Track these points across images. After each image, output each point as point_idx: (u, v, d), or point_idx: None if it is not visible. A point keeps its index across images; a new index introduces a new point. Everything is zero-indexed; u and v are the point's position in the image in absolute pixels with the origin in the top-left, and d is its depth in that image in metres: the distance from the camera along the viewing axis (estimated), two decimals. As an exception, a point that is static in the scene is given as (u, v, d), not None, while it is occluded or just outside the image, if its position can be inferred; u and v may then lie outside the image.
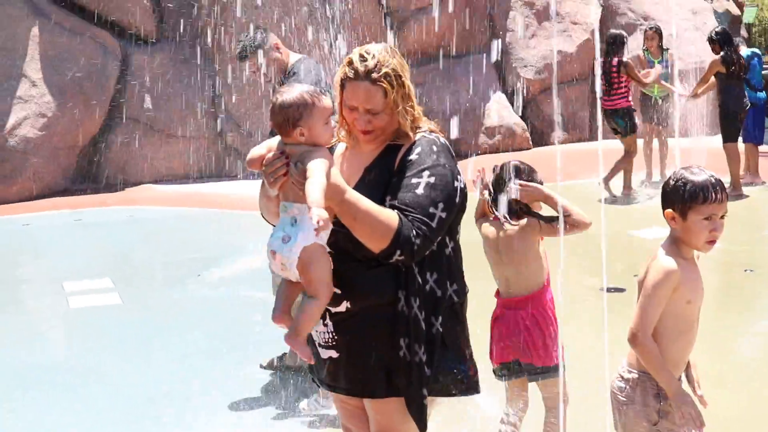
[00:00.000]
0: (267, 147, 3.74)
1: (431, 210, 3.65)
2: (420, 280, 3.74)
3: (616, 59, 13.45)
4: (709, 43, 13.75)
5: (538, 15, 19.67)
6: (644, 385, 3.93)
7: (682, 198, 3.84)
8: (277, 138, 3.75)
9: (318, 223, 3.37)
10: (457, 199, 3.74)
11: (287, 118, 3.65)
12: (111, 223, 13.26)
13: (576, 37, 19.58)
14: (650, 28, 14.90)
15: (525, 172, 4.90)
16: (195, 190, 15.40)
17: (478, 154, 16.67)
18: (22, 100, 16.00)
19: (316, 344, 3.93)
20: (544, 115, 19.24)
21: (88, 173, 16.32)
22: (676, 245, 3.92)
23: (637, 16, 20.00)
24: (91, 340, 8.39)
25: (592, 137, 19.30)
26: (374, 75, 3.70)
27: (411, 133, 3.81)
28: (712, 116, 15.11)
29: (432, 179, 3.68)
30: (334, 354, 3.87)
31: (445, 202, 3.69)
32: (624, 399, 3.98)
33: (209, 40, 17.03)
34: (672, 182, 3.90)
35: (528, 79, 19.14)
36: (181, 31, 17.14)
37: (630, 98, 13.67)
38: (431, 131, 3.85)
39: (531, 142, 18.81)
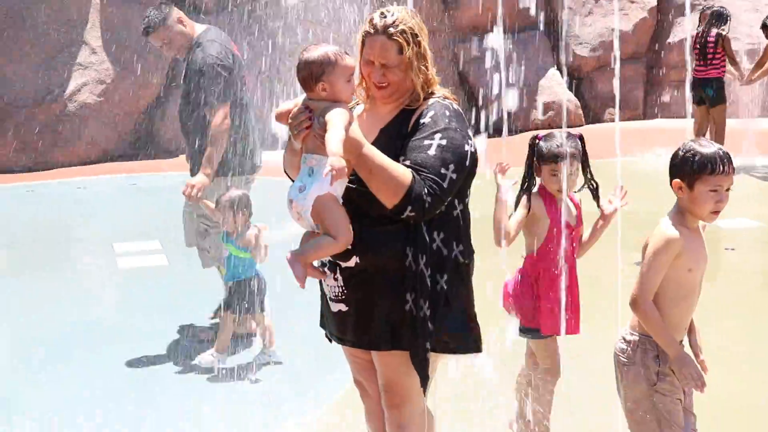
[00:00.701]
0: (294, 103, 3.95)
1: (442, 171, 3.83)
2: (427, 238, 3.91)
3: (715, 32, 13.61)
4: (763, 30, 13.72)
5: (594, -8, 19.63)
6: (644, 347, 4.08)
7: (691, 168, 3.97)
8: (304, 95, 3.94)
9: (332, 170, 3.57)
10: (467, 162, 3.92)
11: (311, 73, 3.87)
12: (164, 188, 13.48)
13: (633, 15, 19.49)
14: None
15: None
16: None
17: (530, 130, 16.74)
18: (81, 66, 16.31)
19: (328, 298, 4.14)
20: (597, 92, 19.22)
21: (144, 139, 16.61)
22: (681, 215, 4.05)
23: (696, -5, 19.88)
24: (137, 299, 8.69)
25: (646, 115, 19.26)
26: (391, 30, 3.91)
27: (422, 94, 3.98)
28: (763, 97, 15.06)
29: (444, 141, 3.86)
30: (343, 307, 4.07)
31: (455, 164, 3.86)
32: (625, 360, 4.14)
33: (263, 9, 17.22)
34: (681, 153, 4.03)
35: (583, 57, 19.12)
36: (238, 1, 17.34)
37: (723, 70, 13.74)
38: (445, 97, 4.03)
39: (584, 119, 18.82)
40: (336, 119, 3.73)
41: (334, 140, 3.66)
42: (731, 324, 7.37)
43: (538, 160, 4.99)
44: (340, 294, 4.05)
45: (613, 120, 18.93)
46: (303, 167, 3.90)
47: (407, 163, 3.85)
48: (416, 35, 3.94)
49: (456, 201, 4.00)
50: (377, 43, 3.94)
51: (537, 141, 5.03)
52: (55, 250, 10.65)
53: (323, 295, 4.19)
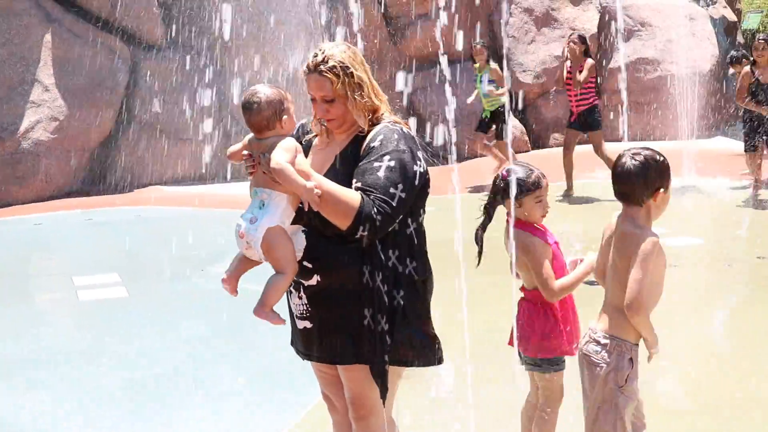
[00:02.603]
0: (243, 142, 4.26)
1: (391, 190, 4.07)
2: (383, 256, 4.17)
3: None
4: (730, 65, 14.50)
5: (536, 21, 20.11)
6: (620, 350, 4.39)
7: (668, 174, 4.40)
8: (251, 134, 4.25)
9: (316, 191, 3.92)
10: (417, 182, 4.16)
11: (275, 111, 4.15)
12: (119, 222, 13.73)
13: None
14: (477, 43, 15.72)
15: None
16: (202, 191, 15.85)
17: (478, 156, 17.10)
18: (35, 104, 16.49)
19: (294, 316, 4.41)
20: (542, 118, 19.67)
21: (98, 175, 16.78)
22: (648, 219, 4.41)
23: (634, 22, 20.41)
24: (99, 329, 8.89)
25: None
26: (321, 67, 4.18)
27: (363, 121, 4.23)
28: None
29: (392, 162, 4.11)
30: (308, 324, 4.33)
31: (404, 183, 4.10)
32: (598, 361, 4.43)
33: (216, 45, 17.50)
34: (656, 163, 4.38)
35: (526, 83, 19.57)
36: (189, 36, 17.62)
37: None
38: (395, 122, 4.28)
39: (530, 145, 19.25)
40: (280, 156, 4.01)
41: (294, 177, 3.96)
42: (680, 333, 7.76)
43: (516, 194, 4.91)
44: (305, 312, 4.32)
45: (558, 145, 19.33)
46: (254, 200, 4.17)
47: (358, 185, 4.09)
48: (347, 67, 4.18)
49: (409, 220, 4.24)
50: (312, 80, 4.22)
51: (505, 179, 4.95)
52: (14, 284, 10.82)
53: (291, 313, 4.45)
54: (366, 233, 4.06)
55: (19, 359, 8.05)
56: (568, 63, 14.56)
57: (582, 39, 14.69)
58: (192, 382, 7.20)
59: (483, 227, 5.00)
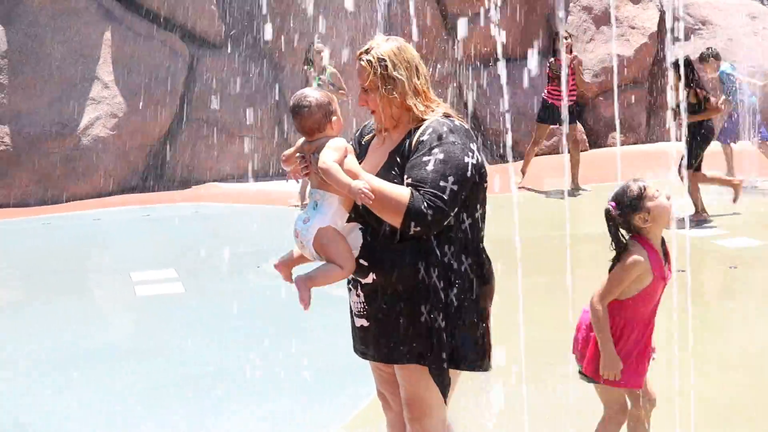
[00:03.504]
0: (296, 146, 4.31)
1: (442, 183, 4.02)
2: (438, 252, 4.12)
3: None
4: (700, 61, 14.46)
5: (596, 19, 19.95)
6: None
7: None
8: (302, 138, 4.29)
9: (364, 193, 3.93)
10: (468, 173, 4.09)
11: (326, 113, 4.20)
12: (177, 218, 13.80)
13: (633, 40, 19.83)
14: (315, 45, 14.57)
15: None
16: (258, 188, 15.91)
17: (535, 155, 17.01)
18: (94, 101, 16.66)
19: (353, 314, 4.40)
20: (601, 117, 19.51)
21: (156, 171, 16.92)
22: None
23: (695, 20, 20.19)
24: (155, 324, 8.97)
25: (649, 139, 19.55)
26: (363, 56, 4.24)
27: (389, 117, 4.26)
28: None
29: (441, 155, 4.07)
30: (365, 323, 4.32)
31: (455, 176, 4.05)
32: None
33: (273, 43, 17.55)
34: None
35: (585, 83, 19.40)
36: (247, 34, 17.72)
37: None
38: (445, 115, 4.25)
39: (588, 144, 19.09)
40: (328, 156, 4.06)
41: (337, 174, 4.00)
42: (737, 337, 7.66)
43: (631, 212, 4.79)
44: (362, 310, 4.31)
45: (616, 144, 19.19)
46: (309, 201, 4.23)
47: (408, 180, 4.07)
48: (383, 60, 4.20)
49: (464, 215, 4.18)
50: (357, 68, 4.30)
51: (614, 208, 4.84)
52: (73, 279, 10.93)
53: (350, 311, 4.44)
54: (418, 228, 4.03)
55: (77, 353, 8.12)
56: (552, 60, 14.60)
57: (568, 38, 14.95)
58: (246, 379, 7.21)
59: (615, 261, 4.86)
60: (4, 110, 16.12)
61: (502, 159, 17.56)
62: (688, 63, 12.20)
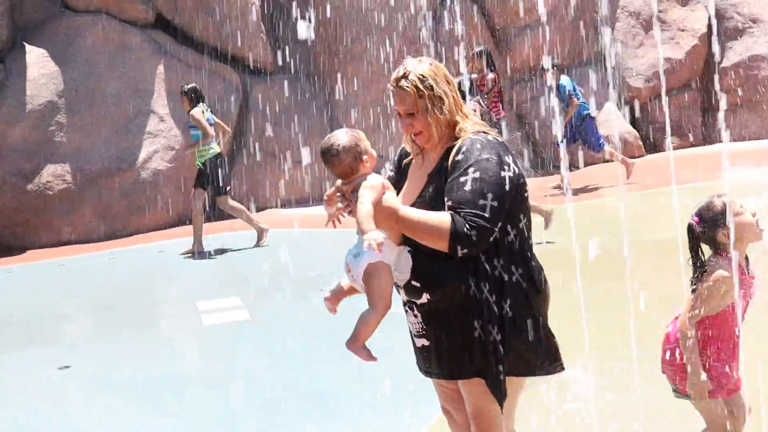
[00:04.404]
0: (335, 188, 4.35)
1: (481, 202, 4.08)
2: (487, 266, 4.18)
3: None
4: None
5: (644, 24, 19.90)
6: None
7: None
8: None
9: (369, 244, 3.95)
10: (507, 187, 4.15)
11: (356, 155, 4.24)
12: (239, 246, 13.95)
13: (684, 43, 19.75)
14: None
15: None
16: (317, 212, 16.00)
17: (591, 164, 17.00)
18: (151, 134, 16.92)
19: (412, 335, 4.47)
20: (655, 121, 19.44)
21: (215, 201, 17.11)
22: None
23: (744, 18, 20.05)
24: (223, 352, 9.09)
25: (705, 141, 19.44)
26: (402, 82, 4.27)
27: (442, 135, 4.30)
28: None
29: (477, 174, 4.12)
30: (425, 342, 4.39)
31: (494, 192, 4.11)
32: None
33: (325, 70, 17.72)
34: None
35: (637, 88, 19.37)
36: (298, 62, 17.89)
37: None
38: (479, 132, 4.30)
39: (644, 149, 19.02)
40: (365, 197, 4.11)
41: (363, 219, 4.06)
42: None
43: (719, 227, 4.78)
44: (420, 330, 4.38)
45: (674, 148, 19.10)
46: (359, 236, 4.24)
47: (449, 203, 4.13)
48: (426, 80, 4.26)
49: (508, 227, 4.23)
50: (395, 95, 4.33)
51: (698, 224, 4.85)
52: (140, 312, 11.11)
53: (410, 332, 4.51)
54: (465, 250, 4.09)
55: (146, 383, 8.27)
56: (474, 76, 14.32)
57: (480, 54, 14.57)
58: (314, 401, 7.32)
59: (694, 278, 4.87)
60: (64, 149, 16.42)
61: (557, 170, 17.54)
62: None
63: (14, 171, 16.32)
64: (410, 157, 4.51)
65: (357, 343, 4.22)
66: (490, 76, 14.33)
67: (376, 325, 4.25)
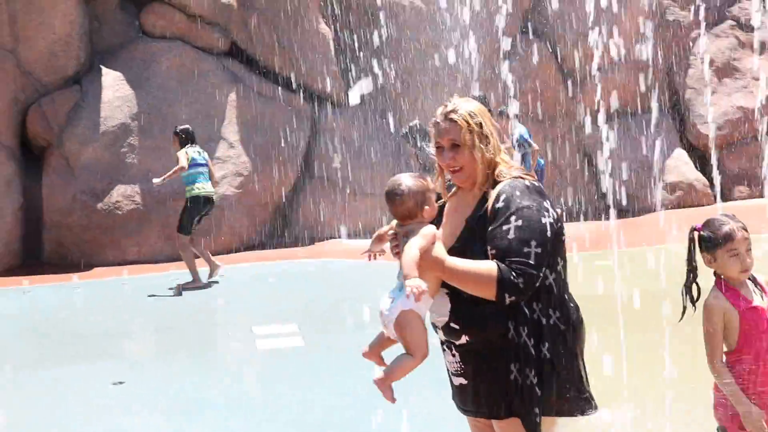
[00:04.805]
0: (389, 227, 4.42)
1: (525, 250, 4.10)
2: (527, 310, 4.21)
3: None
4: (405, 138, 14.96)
5: (717, 72, 19.78)
6: None
7: None
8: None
9: (411, 291, 3.96)
10: (549, 233, 4.18)
11: (417, 203, 4.26)
12: (300, 274, 14.08)
13: (758, 92, 19.58)
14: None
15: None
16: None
17: (657, 210, 16.93)
18: (220, 160, 17.16)
19: (450, 372, 4.52)
20: (725, 170, 19.28)
21: (280, 228, 17.31)
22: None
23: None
24: (273, 377, 9.17)
25: (776, 193, 19.23)
26: (452, 115, 4.32)
27: (483, 175, 4.32)
28: None
29: (519, 222, 4.15)
30: (463, 381, 4.43)
31: (537, 239, 4.14)
32: None
33: (393, 101, 17.86)
34: None
35: (707, 136, 19.23)
36: (368, 94, 18.05)
37: None
38: (517, 177, 4.32)
39: (713, 198, 18.86)
40: (414, 243, 4.13)
41: (408, 264, 4.05)
42: None
43: (708, 248, 4.79)
44: (459, 369, 4.42)
45: (743, 198, 18.91)
46: (397, 281, 4.27)
47: (492, 252, 4.16)
48: (474, 115, 4.32)
49: (547, 271, 4.24)
50: (442, 126, 4.35)
51: (698, 231, 4.85)
52: (200, 333, 11.29)
53: (448, 371, 4.55)
54: (513, 298, 4.12)
55: (198, 403, 8.40)
56: None
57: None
58: (364, 428, 7.34)
59: (687, 282, 4.90)
60: (135, 170, 16.72)
61: (624, 214, 17.47)
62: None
63: (85, 190, 16.68)
64: (442, 201, 4.54)
65: (387, 382, 4.25)
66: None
67: (410, 371, 4.28)
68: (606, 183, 18.46)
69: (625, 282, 9.20)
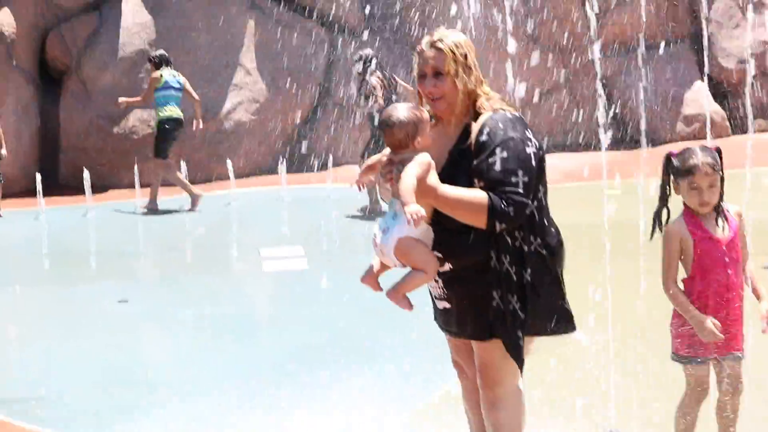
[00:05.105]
0: (380, 157, 4.44)
1: (513, 179, 4.18)
2: (509, 239, 4.29)
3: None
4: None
5: (742, 5, 19.53)
6: None
7: None
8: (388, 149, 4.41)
9: (412, 217, 4.03)
10: (533, 163, 4.27)
11: (408, 134, 4.28)
12: (311, 199, 14.17)
13: (783, 26, 19.32)
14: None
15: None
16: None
17: (675, 141, 16.86)
18: (237, 87, 17.21)
19: (433, 297, 4.61)
20: (745, 104, 19.10)
21: (295, 154, 17.35)
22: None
23: None
24: (275, 297, 9.32)
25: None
26: (438, 44, 4.35)
27: (463, 106, 4.37)
28: None
29: (505, 153, 4.22)
30: (446, 305, 4.53)
31: (523, 169, 4.22)
32: None
33: (412, 30, 17.78)
34: None
35: (729, 69, 19.05)
36: (385, 21, 17.98)
37: None
38: (498, 109, 4.36)
39: (731, 131, 18.72)
40: (411, 170, 4.18)
41: (406, 191, 4.12)
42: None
43: (675, 176, 4.87)
44: (442, 294, 4.51)
45: (762, 131, 18.77)
46: (389, 210, 4.36)
47: (481, 184, 4.22)
48: (460, 46, 4.35)
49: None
50: (427, 54, 4.38)
51: (671, 157, 4.90)
52: (207, 255, 11.47)
53: (431, 294, 4.64)
54: (503, 225, 4.20)
55: (200, 321, 8.63)
56: None
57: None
58: (357, 349, 7.50)
59: (657, 209, 4.94)
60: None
61: (637, 144, 17.41)
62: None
63: (102, 114, 16.78)
64: None
65: (398, 294, 4.34)
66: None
67: (420, 285, 4.39)
68: (623, 113, 18.38)
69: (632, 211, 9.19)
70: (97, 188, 15.23)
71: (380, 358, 7.22)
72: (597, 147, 16.43)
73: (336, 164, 17.04)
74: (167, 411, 6.47)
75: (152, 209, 14.30)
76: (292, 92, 17.20)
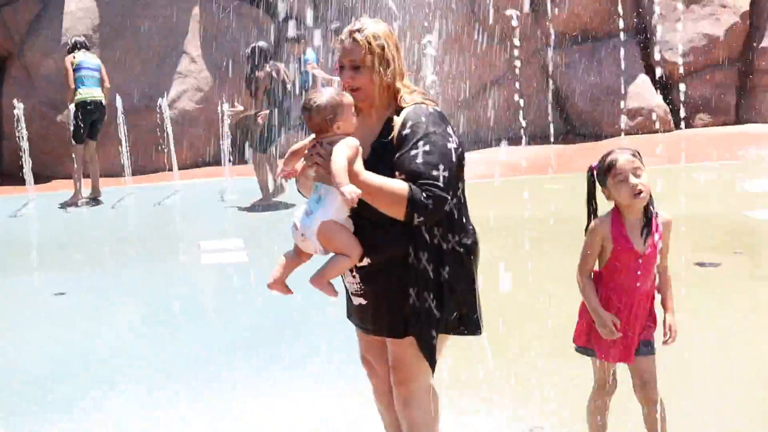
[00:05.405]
0: (306, 142, 4.43)
1: (434, 173, 4.20)
2: (427, 236, 4.32)
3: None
4: None
5: (686, -2, 19.70)
6: None
7: None
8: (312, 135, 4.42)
9: (350, 195, 4.03)
10: (454, 158, 4.29)
11: (325, 119, 4.29)
12: (253, 191, 14.13)
13: (724, 20, 19.49)
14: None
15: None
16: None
17: (618, 135, 17.00)
18: (181, 75, 17.12)
19: (349, 293, 4.63)
20: (688, 97, 19.27)
21: (239, 145, 17.28)
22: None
23: (790, -1, 19.78)
24: (214, 290, 9.32)
25: (739, 121, 19.26)
26: (356, 35, 4.36)
27: (381, 98, 4.40)
28: None
29: (427, 147, 4.24)
30: (362, 301, 4.55)
31: (444, 163, 4.23)
32: None
33: (360, 15, 17.73)
34: None
35: (673, 62, 19.21)
36: (333, 12, 17.94)
37: None
38: (420, 103, 4.40)
39: (673, 125, 18.89)
40: (341, 152, 4.19)
41: (339, 171, 4.12)
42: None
43: (601, 183, 4.86)
44: (358, 290, 4.53)
45: (704, 125, 18.96)
46: (313, 195, 4.35)
47: (402, 177, 4.23)
48: (377, 38, 4.36)
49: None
50: (344, 45, 4.40)
51: (593, 169, 4.92)
52: (146, 246, 11.44)
53: (347, 290, 4.66)
54: (422, 218, 4.21)
55: (137, 313, 8.67)
56: None
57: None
58: (293, 338, 7.60)
59: (587, 223, 4.94)
60: (95, 83, 16.62)
61: (584, 138, 17.55)
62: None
63: (45, 101, 16.64)
64: None
65: (323, 280, 4.33)
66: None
67: (345, 270, 4.40)
68: (566, 107, 18.52)
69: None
70: (40, 178, 15.12)
71: (312, 336, 7.41)
72: (541, 140, 16.60)
73: (282, 155, 16.99)
74: (109, 403, 6.49)
75: (94, 198, 14.22)
76: (238, 81, 17.09)
